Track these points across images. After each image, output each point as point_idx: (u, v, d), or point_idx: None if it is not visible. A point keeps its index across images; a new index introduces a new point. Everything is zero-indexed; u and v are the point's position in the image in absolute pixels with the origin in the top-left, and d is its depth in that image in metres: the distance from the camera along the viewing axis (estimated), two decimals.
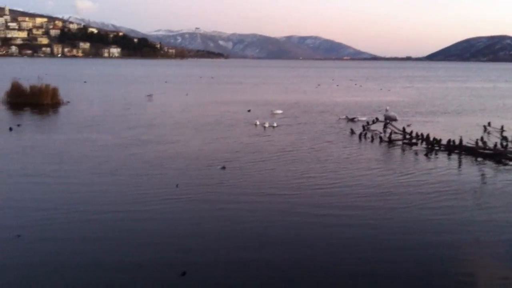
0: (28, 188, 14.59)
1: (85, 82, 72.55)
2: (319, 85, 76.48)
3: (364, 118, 31.73)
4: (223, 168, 17.57)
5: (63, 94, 41.03)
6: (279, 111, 35.31)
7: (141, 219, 11.96)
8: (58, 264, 9.41)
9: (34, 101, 38.06)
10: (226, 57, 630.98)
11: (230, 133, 25.75)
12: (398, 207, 13.24)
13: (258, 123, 28.71)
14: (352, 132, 26.42)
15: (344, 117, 32.93)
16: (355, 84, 78.04)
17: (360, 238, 10.95)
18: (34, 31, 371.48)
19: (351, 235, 11.13)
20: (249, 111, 36.24)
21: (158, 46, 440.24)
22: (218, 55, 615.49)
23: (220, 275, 9.09)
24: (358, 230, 11.41)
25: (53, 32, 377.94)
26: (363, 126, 27.45)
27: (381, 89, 66.28)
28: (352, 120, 31.72)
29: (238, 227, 11.58)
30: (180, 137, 24.17)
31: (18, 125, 26.73)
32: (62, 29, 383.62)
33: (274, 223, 11.87)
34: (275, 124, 28.11)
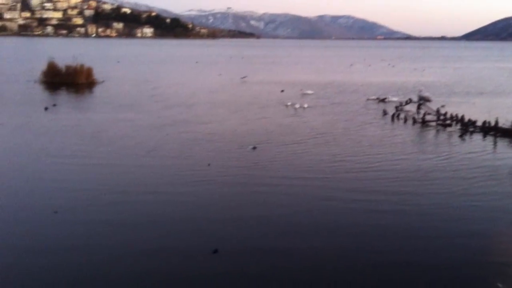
0: (64, 167, 14.84)
1: (118, 62, 73.35)
2: (351, 65, 75.46)
3: (395, 99, 31.23)
4: (254, 148, 17.64)
5: (97, 74, 41.57)
6: (310, 92, 35.08)
7: (174, 199, 12.14)
8: (93, 243, 9.68)
9: (70, 81, 38.73)
10: (258, 37, 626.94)
11: (262, 114, 25.71)
12: (433, 192, 12.98)
13: (289, 104, 28.60)
14: (385, 113, 26.06)
15: (373, 97, 32.48)
16: (388, 64, 76.64)
17: (396, 225, 10.75)
18: (69, 11, 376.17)
19: (387, 221, 10.93)
20: (282, 91, 36.17)
21: (190, 26, 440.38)
22: (250, 35, 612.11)
23: (250, 257, 9.22)
24: (394, 217, 11.20)
25: (88, 12, 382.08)
26: (396, 107, 27.01)
27: (415, 69, 64.93)
28: (382, 100, 31.27)
29: (269, 211, 11.57)
30: (214, 117, 24.26)
31: (54, 105, 27.13)
32: (96, 9, 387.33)
33: (306, 208, 11.70)
34: (305, 105, 27.84)
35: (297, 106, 27.75)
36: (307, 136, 19.89)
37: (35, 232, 10.05)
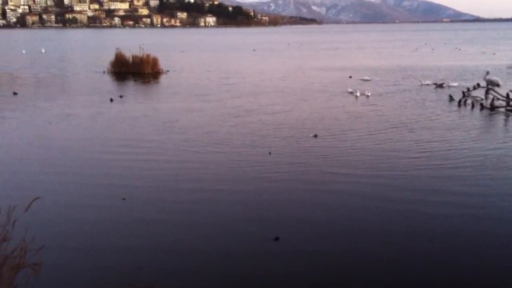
0: (133, 157, 15.37)
1: (182, 51, 74.94)
2: (416, 49, 73.28)
3: (455, 84, 30.14)
4: (315, 136, 17.68)
5: (162, 63, 42.71)
6: (370, 78, 34.66)
7: (234, 188, 12.41)
8: (159, 230, 10.12)
9: (136, 71, 40.15)
10: (319, 22, 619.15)
11: (324, 101, 25.62)
12: (508, 193, 11.80)
13: (351, 90, 28.31)
14: (451, 99, 25.29)
15: (428, 82, 31.49)
16: (455, 48, 73.75)
17: (474, 236, 9.46)
18: (135, 2, 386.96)
19: (459, 228, 9.77)
20: (350, 77, 35.90)
21: (252, 13, 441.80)
22: (311, 21, 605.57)
23: (310, 246, 9.33)
24: (470, 225, 9.95)
25: (153, 3, 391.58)
26: (463, 92, 26.12)
27: (483, 53, 62.12)
28: (440, 86, 30.26)
29: (329, 209, 11.43)
30: (278, 106, 24.25)
31: (121, 96, 27.86)
32: (161, 0, 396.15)
33: (369, 209, 10.77)
34: (368, 93, 27.31)
35: (358, 94, 27.34)
36: (369, 125, 19.54)
37: (105, 217, 10.64)
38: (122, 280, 7.87)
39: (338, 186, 12.36)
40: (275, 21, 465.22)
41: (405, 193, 11.80)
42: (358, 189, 12.07)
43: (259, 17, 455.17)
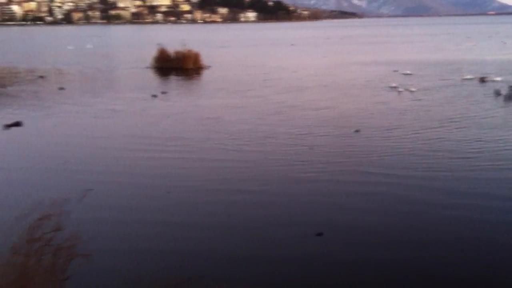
0: (177, 154, 15.59)
1: (223, 46, 75.31)
2: (460, 43, 71.24)
3: (499, 78, 29.15)
4: (357, 131, 17.52)
5: (203, 59, 43.02)
6: (413, 72, 34.05)
7: (276, 182, 12.50)
8: (203, 221, 10.31)
9: (178, 66, 40.53)
10: (360, 16, 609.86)
11: (366, 96, 25.35)
12: None
13: (394, 85, 27.82)
14: (497, 93, 24.51)
15: (471, 76, 30.60)
16: (501, 42, 71.20)
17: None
18: None
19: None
20: (395, 71, 35.34)
21: (292, 8, 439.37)
22: (352, 14, 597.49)
23: (353, 242, 9.30)
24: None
25: None
26: (510, 87, 25.23)
27: None
28: (483, 80, 29.35)
29: (372, 197, 11.39)
30: (321, 102, 24.05)
31: (163, 92, 27.82)
32: None
33: (414, 215, 10.24)
34: (412, 89, 26.69)
35: (402, 89, 26.80)
36: (414, 122, 19.00)
37: (150, 209, 10.91)
38: (167, 270, 8.04)
39: (380, 188, 11.78)
40: (315, 15, 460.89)
41: (456, 198, 10.98)
42: (403, 192, 11.46)
43: (299, 12, 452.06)
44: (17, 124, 19.56)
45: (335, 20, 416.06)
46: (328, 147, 15.46)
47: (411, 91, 26.22)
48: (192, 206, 11.04)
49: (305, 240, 9.25)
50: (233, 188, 12.13)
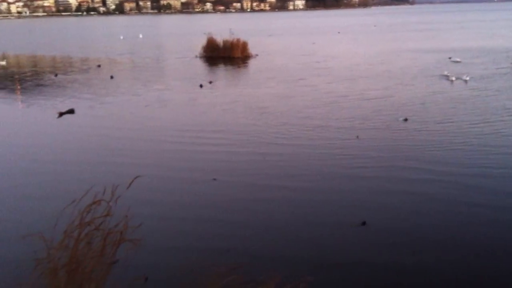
0: (221, 142, 15.77)
1: (270, 35, 75.08)
2: None
3: None
4: (405, 120, 17.19)
5: (251, 47, 43.05)
6: (459, 59, 32.89)
7: (323, 171, 12.48)
8: (247, 213, 10.41)
9: (226, 55, 40.82)
10: (412, 3, 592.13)
11: (417, 85, 24.78)
12: None
13: (446, 74, 26.97)
14: None
15: None
16: None
17: None
18: None
19: None
20: (450, 58, 34.26)
21: None
22: (403, 1, 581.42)
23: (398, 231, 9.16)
24: None
25: None
26: None
27: None
28: None
29: (419, 190, 11.17)
30: (372, 91, 23.62)
31: (210, 82, 27.79)
32: None
33: (469, 216, 9.67)
34: (466, 77, 25.75)
35: (454, 78, 25.91)
36: (468, 114, 18.22)
37: (197, 195, 11.10)
38: (211, 257, 8.17)
39: (427, 186, 11.16)
40: (365, 2, 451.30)
41: (499, 199, 10.33)
42: (453, 191, 10.81)
43: None
44: (70, 111, 20.26)
45: (385, 7, 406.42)
46: (376, 140, 15.13)
47: (465, 80, 25.32)
48: (236, 192, 11.16)
49: (347, 238, 9.14)
50: (277, 183, 11.98)
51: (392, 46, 48.49)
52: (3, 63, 40.56)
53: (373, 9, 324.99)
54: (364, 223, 9.38)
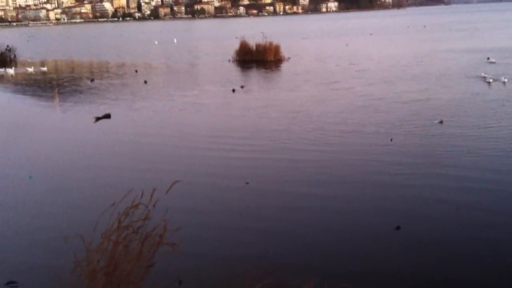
0: (255, 147, 15.80)
1: (303, 38, 74.90)
2: None
3: None
4: (441, 122, 16.90)
5: (284, 51, 42.98)
6: (493, 60, 32.06)
7: (356, 176, 12.41)
8: (281, 216, 10.42)
9: (259, 58, 40.90)
10: (447, 3, 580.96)
11: (454, 86, 24.33)
12: None
13: (483, 75, 26.32)
14: None
15: None
16: None
17: None
18: None
19: None
20: (488, 59, 33.48)
21: None
22: (438, 1, 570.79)
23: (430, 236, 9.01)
24: None
25: None
26: None
27: None
28: None
29: (457, 198, 10.94)
30: (407, 93, 23.17)
31: (242, 87, 27.51)
32: None
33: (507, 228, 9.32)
34: (504, 79, 24.84)
35: (491, 80, 25.13)
36: (502, 117, 17.71)
37: (231, 199, 11.25)
38: (250, 261, 8.22)
39: (461, 195, 10.72)
40: (399, 3, 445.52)
41: None
42: (490, 202, 10.39)
43: (382, 0, 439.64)
44: (106, 116, 20.69)
45: (420, 7, 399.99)
46: (411, 145, 14.84)
47: (503, 82, 24.63)
48: (268, 196, 11.20)
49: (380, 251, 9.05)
50: (310, 189, 11.92)
51: (427, 47, 47.69)
52: (44, 69, 41.75)
53: (407, 10, 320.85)
54: (398, 228, 9.27)
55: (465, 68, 30.74)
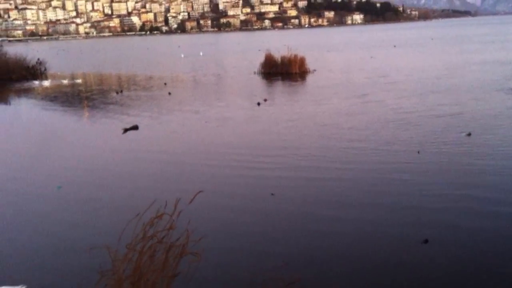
0: (281, 159, 15.91)
1: (328, 51, 74.90)
2: None
3: None
4: (469, 134, 16.66)
5: (309, 63, 42.99)
6: None
7: (384, 189, 12.27)
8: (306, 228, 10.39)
9: (284, 71, 41.04)
10: (474, 15, 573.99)
11: (483, 99, 23.83)
12: None
13: None
14: None
15: None
16: None
17: None
18: (284, 4, 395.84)
19: None
20: None
21: (401, 9, 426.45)
22: (465, 13, 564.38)
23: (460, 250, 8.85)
24: None
25: (301, 4, 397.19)
26: None
27: None
28: None
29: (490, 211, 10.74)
30: (443, 106, 22.56)
31: (268, 99, 27.34)
32: (308, 0, 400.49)
33: None
34: None
35: None
36: None
37: (255, 210, 11.26)
38: (272, 272, 8.20)
39: (490, 222, 9.99)
40: (425, 15, 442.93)
41: None
42: None
43: (409, 12, 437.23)
44: (134, 128, 20.98)
45: (447, 19, 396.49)
46: (439, 159, 14.59)
47: None
48: (294, 207, 11.15)
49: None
50: (336, 200, 11.93)
51: (455, 59, 47.13)
52: (79, 81, 42.73)
53: (434, 22, 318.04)
54: (426, 241, 9.13)
55: (497, 80, 30.14)
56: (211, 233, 9.31)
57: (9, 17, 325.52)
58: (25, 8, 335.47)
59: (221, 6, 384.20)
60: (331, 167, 14.21)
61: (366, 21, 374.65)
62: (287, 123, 20.97)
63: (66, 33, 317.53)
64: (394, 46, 74.05)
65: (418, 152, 14.99)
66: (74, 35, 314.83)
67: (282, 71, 41.19)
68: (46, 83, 41.55)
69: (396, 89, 29.19)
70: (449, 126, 18.40)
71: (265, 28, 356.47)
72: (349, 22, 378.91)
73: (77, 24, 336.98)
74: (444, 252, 8.82)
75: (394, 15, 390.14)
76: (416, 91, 27.71)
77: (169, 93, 31.93)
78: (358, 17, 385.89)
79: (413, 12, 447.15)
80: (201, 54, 78.34)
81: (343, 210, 11.03)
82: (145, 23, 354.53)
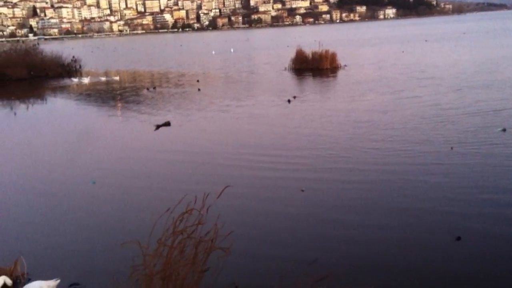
0: (314, 154, 15.92)
1: (359, 45, 74.01)
2: None
3: None
4: (504, 130, 16.26)
5: (340, 58, 42.60)
6: None
7: (414, 185, 12.13)
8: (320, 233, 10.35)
9: (315, 66, 40.83)
10: (510, 7, 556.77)
11: None
12: None
13: None
14: None
15: None
16: None
17: None
18: (316, 0, 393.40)
19: None
20: None
21: (434, 2, 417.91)
22: (501, 6, 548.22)
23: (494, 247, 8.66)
24: None
25: None
26: None
27: None
28: None
29: None
30: (482, 103, 21.89)
31: (294, 97, 26.82)
32: None
33: None
34: None
35: None
36: None
37: (283, 207, 11.25)
38: (300, 267, 8.22)
39: None
40: (459, 8, 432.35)
41: None
42: None
43: (442, 6, 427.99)
44: (166, 124, 21.25)
45: (482, 13, 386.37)
46: (471, 156, 14.32)
47: None
48: (324, 204, 11.13)
49: None
50: (367, 201, 11.78)
51: (488, 53, 45.87)
52: (116, 78, 43.44)
53: (468, 16, 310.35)
54: (459, 238, 8.99)
55: None
56: (239, 228, 9.38)
57: (45, 15, 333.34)
58: (61, 7, 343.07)
59: (252, 3, 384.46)
60: (363, 168, 13.85)
61: (398, 16, 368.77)
62: (320, 120, 20.69)
63: (100, 31, 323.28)
64: (426, 41, 72.67)
65: (452, 148, 14.80)
66: (108, 33, 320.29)
67: (313, 67, 40.99)
68: (82, 80, 42.35)
69: (432, 84, 28.56)
70: (487, 123, 17.82)
71: (296, 24, 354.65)
72: (381, 16, 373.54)
73: (111, 22, 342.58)
74: (476, 248, 8.67)
75: (427, 9, 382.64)
76: (453, 87, 27.03)
77: (199, 89, 32.30)
78: (390, 11, 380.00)
79: (447, 6, 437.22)
80: (232, 50, 78.54)
81: (372, 203, 10.94)
82: (177, 21, 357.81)
